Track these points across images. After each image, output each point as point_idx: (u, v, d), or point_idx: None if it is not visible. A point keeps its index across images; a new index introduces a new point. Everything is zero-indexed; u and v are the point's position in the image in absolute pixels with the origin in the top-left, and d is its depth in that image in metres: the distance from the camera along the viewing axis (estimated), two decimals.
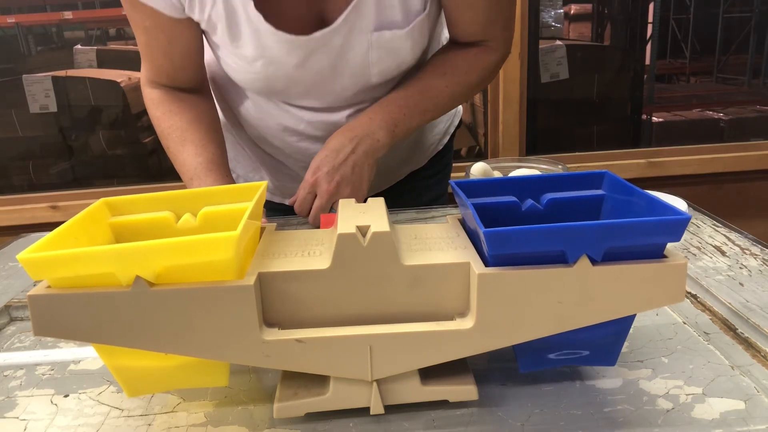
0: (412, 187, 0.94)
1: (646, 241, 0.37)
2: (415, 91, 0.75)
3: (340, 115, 0.78)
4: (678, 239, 0.37)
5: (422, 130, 0.89)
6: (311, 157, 0.79)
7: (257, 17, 0.66)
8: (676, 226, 0.37)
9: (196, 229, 0.45)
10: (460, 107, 1.00)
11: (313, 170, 0.71)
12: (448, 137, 0.96)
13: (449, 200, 0.97)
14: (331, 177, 0.69)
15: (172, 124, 0.76)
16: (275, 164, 0.88)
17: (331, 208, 0.71)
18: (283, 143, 0.83)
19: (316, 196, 0.71)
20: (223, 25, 0.68)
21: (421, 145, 0.92)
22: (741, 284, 0.57)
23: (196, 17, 0.69)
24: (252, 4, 0.65)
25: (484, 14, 0.74)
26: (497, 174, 0.82)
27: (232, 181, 0.75)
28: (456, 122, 0.98)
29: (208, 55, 0.79)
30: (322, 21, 0.69)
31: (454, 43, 0.80)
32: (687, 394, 0.43)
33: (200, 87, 0.81)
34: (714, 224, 0.73)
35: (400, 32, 0.70)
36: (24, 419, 0.44)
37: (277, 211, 0.93)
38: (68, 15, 1.96)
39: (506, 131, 1.70)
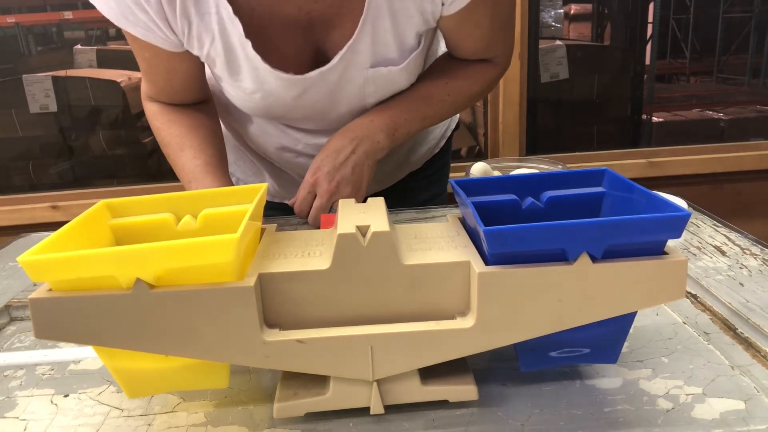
0: (410, 187, 0.94)
1: (647, 238, 0.37)
2: (417, 97, 0.76)
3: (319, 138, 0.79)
4: (678, 236, 0.37)
5: (420, 134, 0.89)
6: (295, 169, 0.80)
7: (255, 57, 0.67)
8: (677, 222, 0.37)
9: (196, 231, 0.45)
10: None
11: (313, 170, 0.71)
12: (445, 140, 0.97)
13: (448, 200, 0.97)
14: (332, 177, 0.70)
15: (171, 132, 0.76)
16: (276, 171, 0.89)
17: (331, 208, 0.71)
18: (281, 159, 0.85)
19: (315, 196, 0.71)
20: (222, 61, 0.68)
21: (418, 149, 0.92)
22: (741, 284, 0.57)
23: (195, 53, 0.69)
24: (250, 44, 0.66)
25: (484, 39, 0.75)
26: (497, 174, 0.82)
27: (230, 182, 0.75)
28: (453, 126, 0.98)
29: (209, 73, 0.80)
30: (319, 58, 0.70)
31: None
32: (687, 394, 0.43)
33: (202, 102, 0.81)
34: (714, 224, 0.73)
35: (395, 68, 0.71)
36: (24, 419, 0.44)
37: (277, 210, 0.93)
38: (68, 15, 1.96)
39: (506, 131, 1.70)
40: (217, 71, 0.71)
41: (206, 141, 0.76)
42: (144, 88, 0.79)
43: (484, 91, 0.80)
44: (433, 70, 0.78)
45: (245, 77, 0.70)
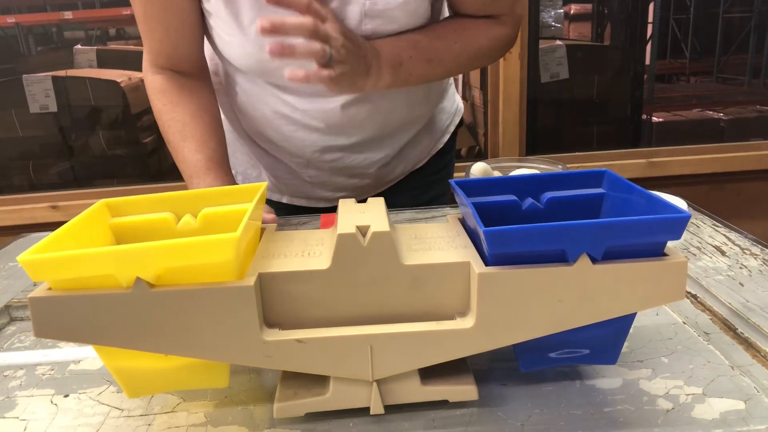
0: (414, 186, 0.94)
1: (647, 240, 0.37)
2: (424, 36, 0.73)
3: (335, 102, 0.76)
4: (678, 237, 0.37)
5: (421, 126, 0.88)
6: (308, 150, 0.77)
7: None
8: (677, 224, 0.37)
9: (196, 230, 0.45)
10: (461, 104, 0.99)
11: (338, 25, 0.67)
12: (448, 135, 0.96)
13: (451, 199, 0.97)
14: (347, 45, 0.65)
15: (173, 117, 0.75)
16: (272, 160, 0.88)
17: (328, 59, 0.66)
18: (279, 134, 0.82)
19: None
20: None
21: (420, 140, 0.91)
22: (741, 284, 0.57)
23: None
24: None
25: None
26: (497, 174, 0.82)
27: (232, 179, 0.75)
28: (456, 121, 0.97)
29: (207, 50, 0.79)
30: None
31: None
32: (687, 394, 0.43)
33: (200, 72, 0.80)
34: (714, 224, 0.73)
35: (393, 2, 0.69)
36: (24, 419, 0.44)
37: (274, 209, 0.93)
38: (68, 15, 1.96)
39: (506, 131, 1.70)
40: (210, 6, 0.69)
41: (208, 132, 0.75)
42: (145, 57, 0.78)
43: (493, 49, 0.79)
44: (441, 20, 0.77)
45: (243, 7, 0.67)
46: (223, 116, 0.86)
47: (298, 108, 0.78)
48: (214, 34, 0.74)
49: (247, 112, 0.82)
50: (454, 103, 0.97)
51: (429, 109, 0.89)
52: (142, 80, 0.81)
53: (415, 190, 0.94)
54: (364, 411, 0.42)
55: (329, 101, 0.77)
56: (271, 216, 0.68)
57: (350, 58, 0.66)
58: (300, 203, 0.92)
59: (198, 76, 0.80)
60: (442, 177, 0.98)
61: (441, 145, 0.95)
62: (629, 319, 0.41)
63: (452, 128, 0.97)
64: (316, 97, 0.77)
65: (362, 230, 0.39)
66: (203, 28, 0.76)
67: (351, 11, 0.69)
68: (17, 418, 0.44)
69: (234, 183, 0.75)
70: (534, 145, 1.79)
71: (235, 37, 0.71)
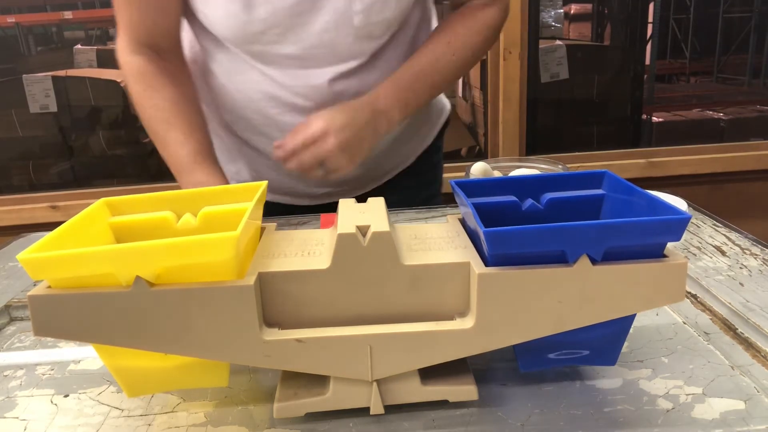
0: (403, 186, 0.92)
1: (647, 241, 0.37)
2: (424, 64, 0.74)
3: (322, 77, 0.75)
4: (678, 239, 0.37)
5: (409, 125, 0.87)
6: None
7: None
8: (677, 225, 0.37)
9: (196, 229, 0.45)
10: (448, 104, 0.98)
11: (325, 118, 0.68)
12: (436, 131, 0.94)
13: (446, 200, 0.96)
14: (341, 135, 0.67)
15: (155, 104, 0.74)
16: (253, 153, 0.85)
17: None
18: (264, 118, 0.79)
19: (311, 144, 0.68)
20: None
21: (408, 138, 0.90)
22: (741, 284, 0.57)
23: None
24: None
25: None
26: (497, 174, 0.82)
27: (220, 171, 0.74)
28: (443, 119, 0.96)
29: (186, 39, 0.78)
30: None
31: (451, 10, 0.79)
32: (687, 394, 0.43)
33: (178, 53, 0.78)
34: (714, 224, 0.73)
35: None
36: (24, 419, 0.44)
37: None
38: (68, 15, 1.96)
39: (506, 131, 1.70)
40: None
41: (193, 120, 0.74)
42: (120, 36, 0.76)
43: (487, 40, 0.79)
44: (431, 36, 0.77)
45: None
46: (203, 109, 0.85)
47: (285, 84, 0.76)
48: (197, 11, 0.72)
49: (228, 95, 0.79)
50: (440, 101, 0.96)
51: None
52: None
53: (405, 191, 0.93)
54: (364, 411, 0.41)
55: (315, 74, 0.75)
56: None
57: (349, 155, 0.68)
58: (283, 200, 0.90)
59: (176, 57, 0.78)
60: (430, 179, 0.97)
61: (428, 143, 0.93)
62: (629, 320, 0.41)
63: (440, 124, 0.95)
64: (302, 69, 0.75)
65: (362, 230, 0.39)
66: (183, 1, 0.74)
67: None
68: (17, 418, 0.44)
69: (222, 175, 0.74)
70: (534, 145, 1.79)
71: (220, 16, 0.69)
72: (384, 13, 0.72)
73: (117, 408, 0.44)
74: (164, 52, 0.77)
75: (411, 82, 0.73)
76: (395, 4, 0.72)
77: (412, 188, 0.94)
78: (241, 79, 0.78)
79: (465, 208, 0.43)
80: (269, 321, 0.40)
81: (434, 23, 0.85)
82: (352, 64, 0.75)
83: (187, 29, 0.78)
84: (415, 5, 0.77)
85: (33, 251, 0.36)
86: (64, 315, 0.37)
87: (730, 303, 0.53)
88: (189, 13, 0.75)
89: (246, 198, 0.46)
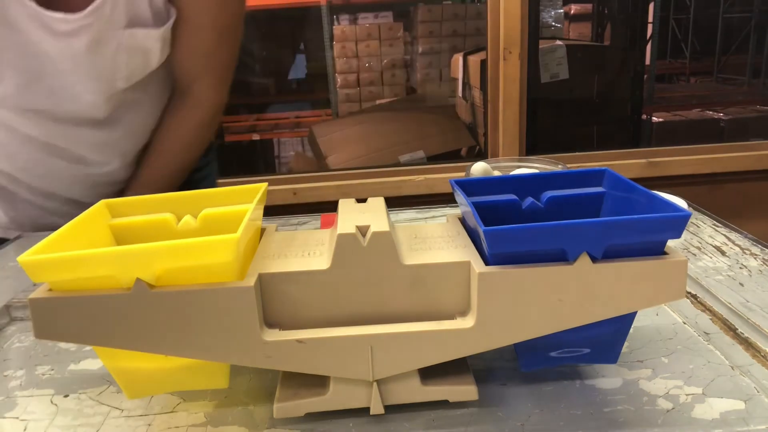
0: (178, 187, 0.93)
1: (647, 238, 0.37)
2: (156, 175, 0.81)
3: (80, 129, 0.76)
4: (678, 236, 0.37)
5: None
6: (48, 176, 0.77)
7: None
8: (677, 222, 0.37)
9: (196, 230, 0.45)
10: None
11: None
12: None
13: (444, 201, 0.96)
14: None
15: None
16: (8, 195, 0.82)
17: None
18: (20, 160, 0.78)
19: None
20: None
21: None
22: (741, 284, 0.57)
23: None
24: None
25: (209, 39, 0.76)
26: (497, 174, 0.82)
27: None
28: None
29: None
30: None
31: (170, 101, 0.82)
32: (687, 394, 0.43)
33: None
34: (714, 224, 0.73)
35: (154, 31, 0.70)
36: (24, 419, 0.44)
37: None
38: None
39: (506, 131, 1.70)
40: None
41: None
42: None
43: (198, 140, 0.84)
44: (147, 152, 0.83)
45: None
46: None
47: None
48: None
49: None
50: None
51: None
52: None
53: (178, 189, 0.94)
54: (364, 411, 0.42)
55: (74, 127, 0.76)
56: None
57: None
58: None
59: None
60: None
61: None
62: (629, 318, 0.41)
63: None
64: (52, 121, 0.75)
65: (362, 230, 0.39)
66: None
67: (108, 38, 0.68)
68: (17, 418, 0.44)
69: None
70: (534, 145, 1.79)
71: None
72: (145, 70, 0.75)
73: (117, 408, 0.44)
74: None
75: (147, 185, 0.79)
76: (157, 59, 0.74)
77: (184, 186, 0.94)
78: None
79: (465, 207, 0.43)
80: (270, 322, 0.40)
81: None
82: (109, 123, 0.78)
83: None
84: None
85: (33, 253, 0.36)
86: (64, 318, 0.37)
87: (730, 303, 0.54)
88: None
89: (246, 199, 0.46)
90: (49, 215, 0.85)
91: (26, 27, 0.65)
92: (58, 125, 0.75)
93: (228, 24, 0.78)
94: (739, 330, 0.50)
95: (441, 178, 1.70)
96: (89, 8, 0.66)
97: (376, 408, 0.41)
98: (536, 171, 0.81)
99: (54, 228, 0.88)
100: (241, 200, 0.46)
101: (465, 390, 0.42)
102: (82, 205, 0.83)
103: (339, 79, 2.52)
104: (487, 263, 0.39)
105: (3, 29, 0.65)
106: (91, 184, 0.83)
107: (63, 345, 0.54)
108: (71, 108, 0.73)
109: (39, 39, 0.66)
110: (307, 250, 0.42)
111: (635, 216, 0.37)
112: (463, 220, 0.47)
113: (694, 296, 0.57)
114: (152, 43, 0.71)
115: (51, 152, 0.77)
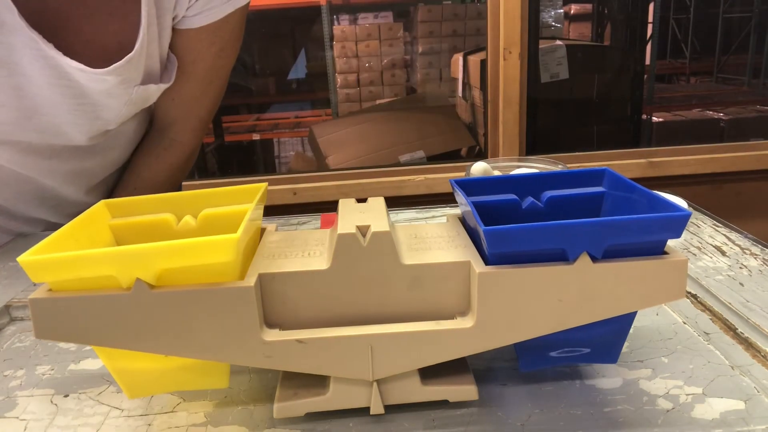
0: None
1: (647, 238, 0.37)
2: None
3: (53, 160, 0.74)
4: (678, 236, 0.37)
5: None
6: (11, 198, 0.75)
7: (40, 39, 0.60)
8: (677, 222, 0.37)
9: (196, 230, 0.45)
10: None
11: None
12: None
13: (444, 200, 0.97)
14: None
15: None
16: None
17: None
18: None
19: None
20: None
21: None
22: (741, 284, 0.57)
23: None
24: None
25: (196, 87, 0.76)
26: (497, 174, 0.82)
27: None
28: None
29: None
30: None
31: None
32: (687, 394, 0.43)
33: None
34: (714, 224, 0.73)
35: (163, 86, 0.70)
36: (24, 419, 0.44)
37: None
38: None
39: (506, 131, 1.70)
40: None
41: None
42: None
43: (179, 170, 0.83)
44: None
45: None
46: None
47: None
48: None
49: None
50: None
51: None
52: None
53: None
54: (364, 411, 0.42)
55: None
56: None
57: None
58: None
59: None
60: None
61: None
62: (630, 317, 0.41)
63: None
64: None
65: (362, 230, 0.39)
66: None
67: (120, 93, 0.67)
68: (17, 418, 0.44)
69: None
70: (534, 144, 1.79)
71: None
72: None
73: (117, 408, 0.44)
74: None
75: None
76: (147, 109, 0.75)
77: None
78: None
79: (465, 207, 0.43)
80: (270, 322, 0.40)
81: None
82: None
83: None
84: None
85: (33, 253, 0.36)
86: (65, 318, 0.37)
87: (730, 303, 0.54)
88: None
89: (246, 199, 0.46)
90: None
91: (30, 69, 0.62)
92: (31, 156, 0.72)
93: (219, 74, 0.77)
94: (739, 330, 0.50)
95: (441, 178, 1.70)
96: (113, 66, 0.64)
97: (376, 408, 0.41)
98: (536, 171, 0.81)
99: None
100: (241, 200, 0.46)
101: (465, 390, 0.42)
102: (42, 223, 0.83)
103: (339, 79, 2.52)
104: (487, 263, 0.39)
105: (1, 70, 0.62)
106: (52, 205, 0.81)
107: (63, 345, 0.54)
108: (52, 142, 0.71)
109: (44, 82, 0.63)
110: (307, 250, 0.42)
111: (635, 216, 0.37)
112: (463, 220, 0.47)
113: (694, 296, 0.57)
114: (156, 94, 0.71)
115: (17, 179, 0.75)
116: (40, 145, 0.71)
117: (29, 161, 0.72)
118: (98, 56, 0.65)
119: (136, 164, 0.81)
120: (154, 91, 0.70)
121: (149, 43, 0.66)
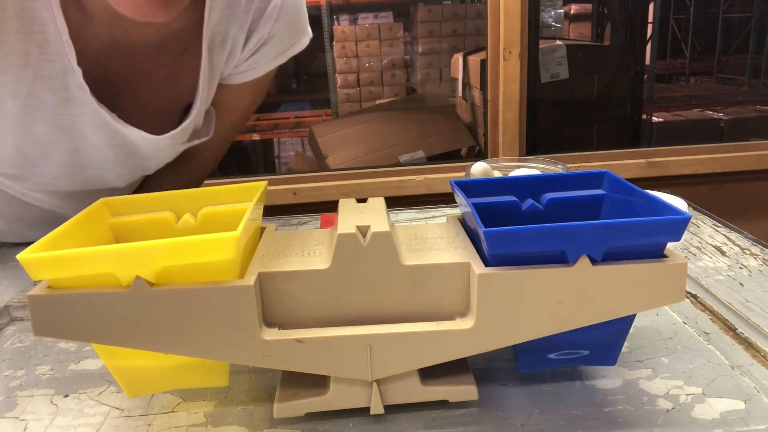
0: None
1: (646, 241, 0.37)
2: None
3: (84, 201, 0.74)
4: (678, 239, 0.37)
5: None
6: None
7: (106, 112, 0.61)
8: (677, 225, 0.37)
9: (196, 229, 0.45)
10: None
11: None
12: None
13: (444, 201, 0.96)
14: None
15: None
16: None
17: None
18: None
19: None
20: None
21: None
22: (741, 284, 0.57)
23: None
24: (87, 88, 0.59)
25: (225, 132, 0.78)
26: (497, 174, 0.82)
27: None
28: None
29: None
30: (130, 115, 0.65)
31: None
32: (687, 394, 0.43)
33: None
34: (714, 224, 0.73)
35: (205, 140, 0.72)
36: (24, 419, 0.44)
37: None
38: None
39: (506, 131, 1.70)
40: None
41: None
42: None
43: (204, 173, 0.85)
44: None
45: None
46: None
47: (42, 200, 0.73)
48: None
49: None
50: None
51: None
52: None
53: None
54: (364, 411, 0.42)
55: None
56: None
57: None
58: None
59: None
60: None
61: None
62: (629, 320, 0.41)
63: None
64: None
65: (362, 230, 0.39)
66: None
67: (167, 147, 0.69)
68: (17, 418, 0.44)
69: None
70: (534, 145, 1.79)
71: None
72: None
73: (117, 408, 0.44)
74: None
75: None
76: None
77: None
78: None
79: (465, 208, 0.43)
80: (269, 321, 0.40)
81: None
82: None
83: None
84: None
85: (32, 251, 0.36)
86: (63, 315, 0.37)
87: (730, 303, 0.54)
88: None
89: (246, 198, 0.46)
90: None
91: (92, 135, 0.63)
92: (66, 200, 0.73)
93: (248, 116, 0.81)
94: (739, 330, 0.50)
95: (441, 178, 1.70)
96: (171, 133, 0.66)
97: (376, 408, 0.41)
98: (536, 171, 0.81)
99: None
100: (241, 199, 0.46)
101: (465, 390, 0.42)
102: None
103: (339, 79, 2.52)
104: (486, 264, 0.39)
105: (62, 135, 0.63)
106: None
107: (63, 345, 0.54)
108: (92, 188, 0.72)
109: (101, 143, 0.65)
110: (307, 250, 0.42)
111: (635, 219, 0.37)
112: (462, 221, 0.47)
113: (694, 296, 0.57)
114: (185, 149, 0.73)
115: (42, 212, 0.75)
116: (79, 191, 0.72)
117: (64, 203, 0.74)
118: (152, 117, 0.66)
119: (151, 186, 0.82)
120: (197, 145, 0.72)
121: (201, 105, 0.68)
